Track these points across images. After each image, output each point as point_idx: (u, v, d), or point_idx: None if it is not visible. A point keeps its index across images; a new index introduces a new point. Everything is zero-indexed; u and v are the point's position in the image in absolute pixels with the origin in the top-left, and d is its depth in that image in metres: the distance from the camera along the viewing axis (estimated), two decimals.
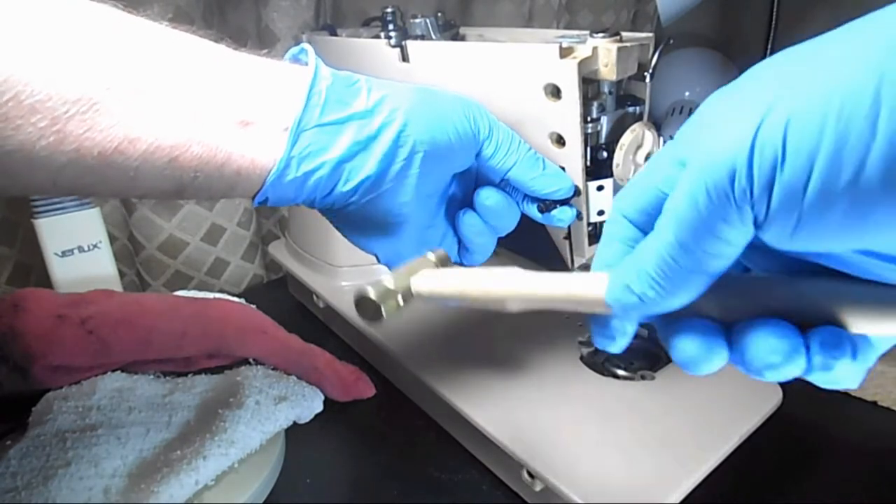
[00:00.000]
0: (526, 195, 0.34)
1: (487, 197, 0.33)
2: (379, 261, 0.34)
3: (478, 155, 0.32)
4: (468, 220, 0.34)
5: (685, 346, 0.19)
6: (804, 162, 0.14)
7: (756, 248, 0.18)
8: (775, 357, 0.17)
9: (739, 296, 0.19)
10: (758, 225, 0.16)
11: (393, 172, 0.29)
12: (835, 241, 0.15)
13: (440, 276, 0.25)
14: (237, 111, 0.25)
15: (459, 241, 0.36)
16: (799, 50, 0.16)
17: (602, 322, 0.22)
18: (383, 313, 0.26)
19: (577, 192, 0.34)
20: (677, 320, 0.19)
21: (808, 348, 0.17)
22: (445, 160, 0.31)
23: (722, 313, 0.19)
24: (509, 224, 0.35)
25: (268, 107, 0.26)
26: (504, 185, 0.34)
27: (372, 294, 0.25)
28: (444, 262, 0.28)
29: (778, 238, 0.16)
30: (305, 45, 0.29)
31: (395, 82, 0.30)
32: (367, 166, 0.28)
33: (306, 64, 0.29)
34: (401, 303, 0.26)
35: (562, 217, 0.34)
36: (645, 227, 0.21)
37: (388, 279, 0.26)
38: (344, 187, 0.28)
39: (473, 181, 0.35)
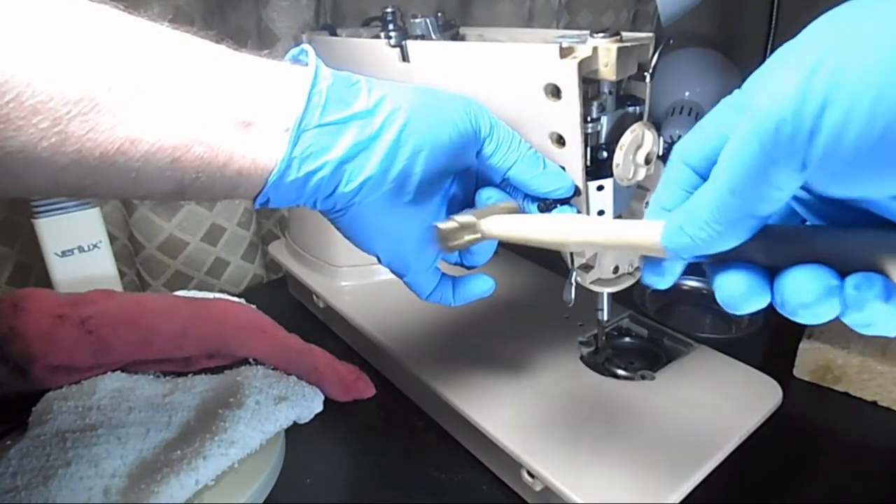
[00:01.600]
0: (526, 195, 0.34)
1: (489, 197, 0.33)
2: (380, 261, 0.34)
3: (478, 153, 0.32)
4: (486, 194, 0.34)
5: (731, 284, 0.20)
6: (845, 112, 0.15)
7: (809, 198, 0.19)
8: (809, 295, 0.19)
9: (786, 242, 0.20)
10: (804, 169, 0.17)
11: (394, 172, 0.29)
12: (872, 187, 0.17)
13: (508, 221, 0.28)
14: (238, 112, 0.26)
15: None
16: (854, 6, 0.17)
17: (654, 261, 0.24)
18: (449, 245, 0.29)
19: (577, 191, 0.34)
20: (725, 262, 0.21)
21: (842, 290, 0.19)
22: (447, 159, 0.31)
23: (768, 259, 0.20)
24: None
25: (269, 107, 0.26)
26: (504, 186, 0.34)
27: (441, 225, 0.29)
28: (513, 212, 0.30)
29: (822, 182, 0.17)
30: (306, 46, 0.29)
31: (395, 82, 0.30)
32: (368, 166, 0.28)
33: (307, 64, 0.29)
34: (467, 238, 0.29)
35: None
36: (704, 173, 0.22)
37: (460, 217, 0.29)
38: (346, 188, 0.28)
39: (474, 181, 0.35)
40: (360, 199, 0.29)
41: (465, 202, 0.35)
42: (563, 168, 0.34)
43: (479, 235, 0.29)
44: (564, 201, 0.34)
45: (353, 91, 0.28)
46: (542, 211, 0.34)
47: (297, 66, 0.29)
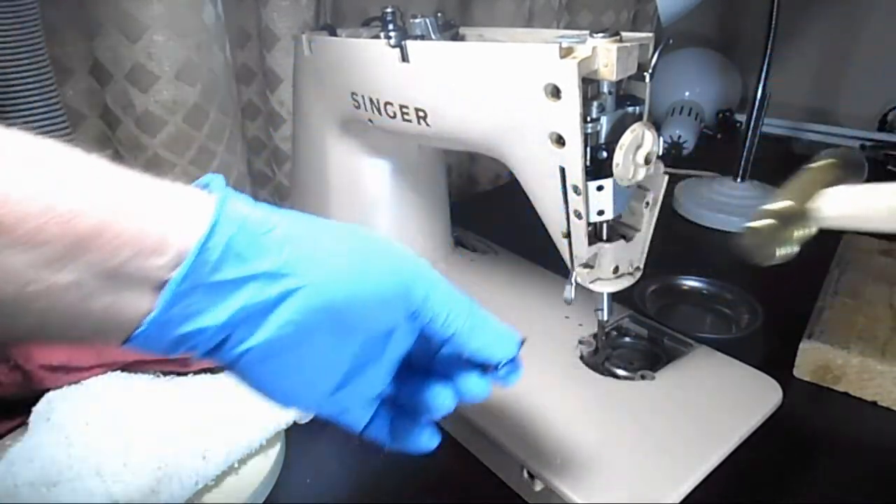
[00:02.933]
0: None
1: (476, 385, 0.29)
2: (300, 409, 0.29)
3: (415, 317, 0.28)
4: (441, 397, 0.29)
5: None
6: None
7: None
8: None
9: None
10: None
11: (292, 341, 0.24)
12: None
13: (857, 197, 0.19)
14: (110, 258, 0.21)
15: (399, 399, 0.31)
16: None
17: None
18: (778, 250, 0.20)
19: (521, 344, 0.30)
20: None
21: None
22: (362, 327, 0.26)
23: None
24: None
25: (144, 257, 0.22)
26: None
27: (757, 224, 0.19)
28: (846, 166, 0.21)
29: None
30: (216, 176, 0.25)
31: (328, 227, 0.26)
32: (256, 336, 0.24)
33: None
34: (797, 234, 0.20)
35: (506, 378, 0.30)
36: None
37: (778, 205, 0.20)
38: (227, 354, 0.24)
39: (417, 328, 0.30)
40: (248, 363, 0.24)
41: (423, 355, 0.31)
42: (563, 168, 0.34)
43: (810, 229, 0.20)
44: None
45: (262, 244, 0.23)
46: (485, 373, 0.30)
47: (202, 199, 0.23)
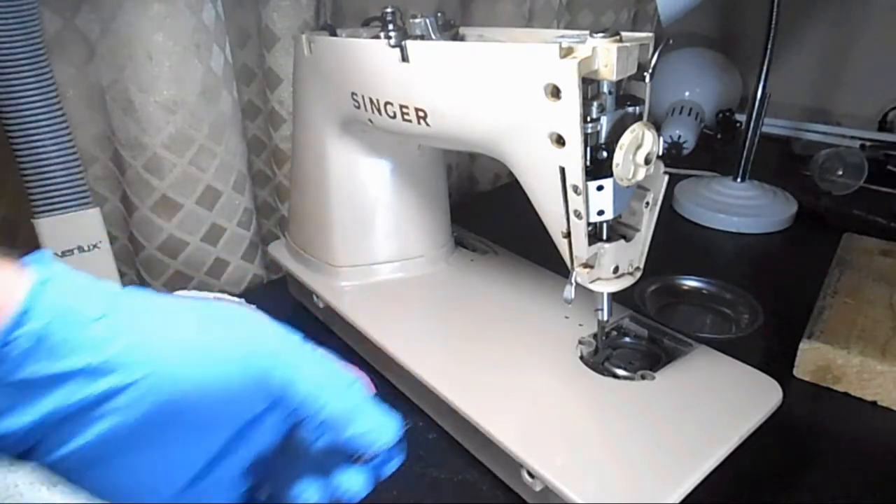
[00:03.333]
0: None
1: (350, 481, 0.26)
2: None
3: (278, 404, 0.25)
4: (305, 495, 0.26)
5: None
6: None
7: None
8: None
9: None
10: None
11: (121, 443, 0.21)
12: None
13: None
14: None
15: (273, 490, 0.27)
16: None
17: None
18: None
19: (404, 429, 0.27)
20: None
21: None
22: (212, 421, 0.24)
23: None
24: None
25: None
26: None
27: None
28: None
29: None
30: (43, 253, 0.22)
31: (173, 309, 0.23)
32: (78, 439, 0.21)
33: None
34: None
35: (382, 469, 0.28)
36: None
37: None
38: (43, 459, 0.21)
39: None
40: (69, 467, 0.22)
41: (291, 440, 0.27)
42: (564, 168, 0.34)
43: None
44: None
45: (86, 334, 0.20)
46: (355, 462, 0.26)
47: (19, 281, 0.20)
